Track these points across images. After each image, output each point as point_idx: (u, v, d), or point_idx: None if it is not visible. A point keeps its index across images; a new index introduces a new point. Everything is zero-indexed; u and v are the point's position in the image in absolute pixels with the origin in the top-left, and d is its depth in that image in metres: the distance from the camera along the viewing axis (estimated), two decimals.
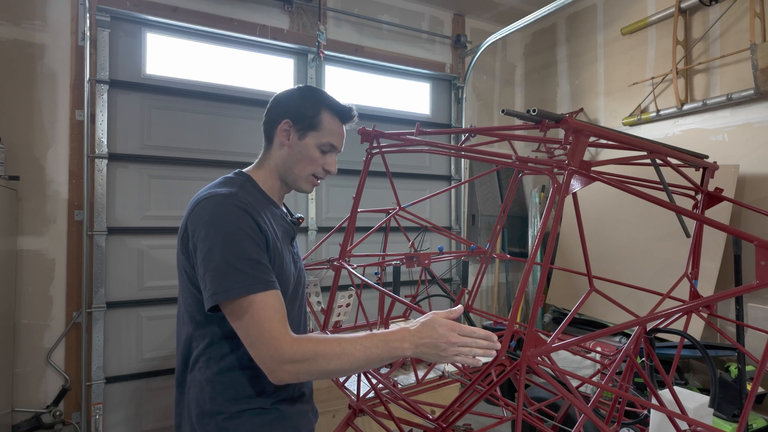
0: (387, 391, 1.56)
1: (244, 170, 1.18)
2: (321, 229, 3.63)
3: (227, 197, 0.99)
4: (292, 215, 1.26)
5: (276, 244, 1.05)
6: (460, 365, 1.77)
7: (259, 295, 0.93)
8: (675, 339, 2.61)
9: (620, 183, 1.02)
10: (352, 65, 3.82)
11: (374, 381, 1.56)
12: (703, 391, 2.62)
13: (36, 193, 2.76)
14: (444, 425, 1.22)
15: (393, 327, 0.98)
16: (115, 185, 2.93)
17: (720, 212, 2.58)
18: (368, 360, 0.93)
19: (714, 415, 2.06)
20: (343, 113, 1.20)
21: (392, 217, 2.03)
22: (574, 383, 2.02)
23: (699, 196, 1.39)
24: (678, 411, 1.20)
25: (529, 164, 1.12)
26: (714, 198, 1.36)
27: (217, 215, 0.97)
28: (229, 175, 1.16)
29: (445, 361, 0.95)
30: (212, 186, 1.08)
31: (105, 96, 2.88)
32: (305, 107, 1.16)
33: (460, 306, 1.04)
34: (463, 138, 1.53)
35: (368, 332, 0.97)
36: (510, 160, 1.16)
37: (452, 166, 4.23)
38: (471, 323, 1.93)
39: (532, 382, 2.49)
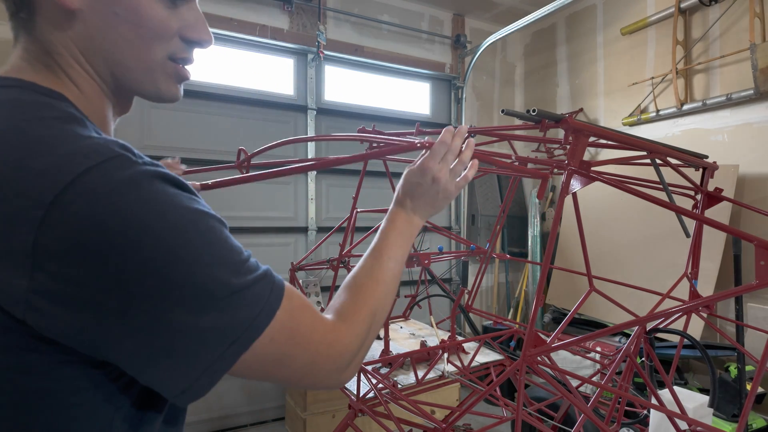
0: (387, 391, 1.56)
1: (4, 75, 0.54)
2: (321, 229, 3.63)
3: (131, 163, 0.46)
4: None
5: None
6: (458, 366, 1.77)
7: (284, 300, 0.54)
8: (675, 339, 2.61)
9: (620, 183, 1.03)
10: (352, 65, 3.82)
11: (374, 381, 1.56)
12: (702, 391, 2.62)
13: None
14: (444, 425, 1.22)
15: (385, 224, 0.79)
16: None
17: (720, 212, 2.58)
18: (401, 269, 0.77)
19: (714, 415, 2.06)
20: None
21: None
22: (574, 383, 2.02)
23: (699, 196, 1.39)
24: (678, 411, 1.20)
25: (528, 165, 1.13)
26: (714, 198, 1.36)
27: (146, 214, 0.44)
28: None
29: (451, 198, 0.82)
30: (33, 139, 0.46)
31: None
32: None
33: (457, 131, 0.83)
34: None
35: (373, 247, 0.77)
36: (510, 161, 1.16)
37: None
38: (471, 323, 1.93)
39: (532, 382, 2.49)
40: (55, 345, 0.45)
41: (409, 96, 4.12)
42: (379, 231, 0.79)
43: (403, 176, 0.82)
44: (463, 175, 0.83)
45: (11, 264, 0.42)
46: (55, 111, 0.50)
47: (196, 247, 0.46)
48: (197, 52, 0.64)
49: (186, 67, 0.62)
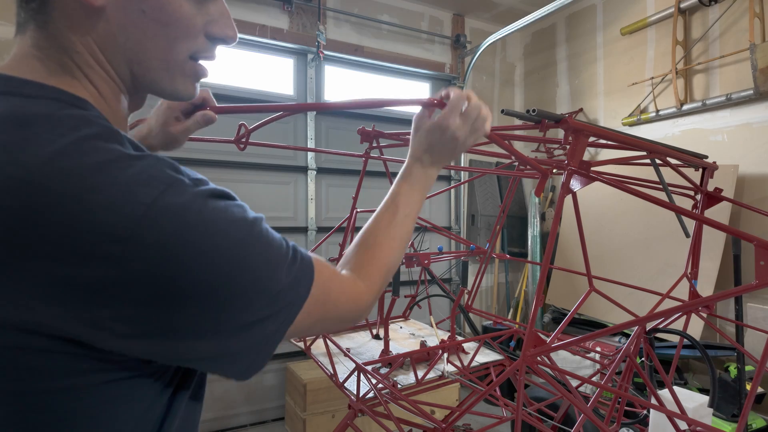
0: (387, 391, 1.56)
1: (12, 76, 0.50)
2: (321, 229, 3.63)
3: (185, 187, 0.47)
4: None
5: None
6: (458, 366, 1.77)
7: (315, 277, 0.58)
8: (674, 339, 2.61)
9: (620, 183, 1.03)
10: (352, 65, 3.82)
11: (374, 381, 1.56)
12: (702, 391, 2.62)
13: None
14: (443, 425, 1.22)
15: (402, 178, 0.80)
16: None
17: (719, 212, 2.58)
18: (414, 222, 0.79)
19: (713, 415, 2.06)
20: None
21: None
22: (574, 383, 2.02)
23: (698, 196, 1.39)
24: (677, 411, 1.20)
25: (528, 166, 1.13)
26: (713, 198, 1.36)
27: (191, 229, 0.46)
28: (15, 99, 0.48)
29: (465, 150, 0.83)
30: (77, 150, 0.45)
31: None
32: None
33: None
34: None
35: (390, 202, 0.78)
36: (509, 161, 1.16)
37: (451, 162, 4.23)
38: (471, 323, 1.93)
39: (532, 382, 2.49)
40: (115, 363, 0.47)
41: (409, 96, 4.13)
42: (395, 185, 0.80)
43: (420, 131, 0.81)
44: (478, 136, 0.83)
45: (89, 298, 0.43)
46: (93, 126, 0.47)
47: (258, 256, 0.50)
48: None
49: (204, 64, 0.61)
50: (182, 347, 0.48)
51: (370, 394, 1.57)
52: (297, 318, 0.55)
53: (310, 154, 3.59)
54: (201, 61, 0.60)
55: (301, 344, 1.92)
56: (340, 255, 1.82)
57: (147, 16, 0.52)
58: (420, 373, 1.69)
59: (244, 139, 1.17)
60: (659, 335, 1.84)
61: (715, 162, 1.46)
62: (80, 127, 0.46)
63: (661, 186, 1.22)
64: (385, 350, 1.83)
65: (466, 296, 2.08)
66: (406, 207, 0.77)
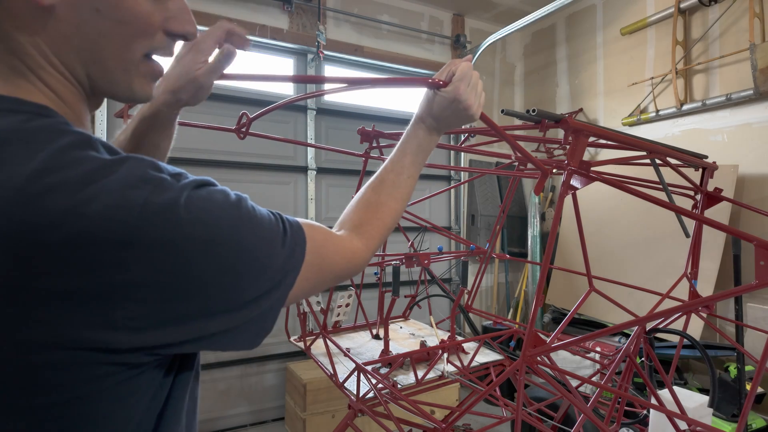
0: (387, 391, 1.56)
1: None
2: None
3: (168, 184, 0.48)
4: None
5: None
6: (458, 366, 1.77)
7: (308, 244, 0.59)
8: (674, 339, 2.61)
9: (620, 183, 1.03)
10: (352, 65, 3.82)
11: (374, 381, 1.56)
12: (702, 391, 2.62)
13: None
14: (443, 425, 1.22)
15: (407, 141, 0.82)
16: None
17: (719, 212, 2.58)
18: (415, 182, 0.81)
19: (713, 415, 2.06)
20: None
21: None
22: (574, 383, 2.02)
23: (698, 196, 1.39)
24: (677, 411, 1.20)
25: (529, 165, 1.13)
26: (713, 198, 1.36)
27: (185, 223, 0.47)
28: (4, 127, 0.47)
29: (476, 118, 0.83)
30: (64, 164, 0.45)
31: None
32: None
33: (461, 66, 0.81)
34: (463, 138, 1.53)
35: (395, 162, 0.80)
36: (509, 161, 1.16)
37: (451, 163, 4.23)
38: (471, 323, 1.93)
39: (532, 382, 2.49)
40: (127, 364, 0.48)
41: (409, 96, 4.12)
42: (400, 147, 0.82)
43: (433, 101, 0.81)
44: (481, 99, 0.83)
45: (102, 304, 0.44)
46: (66, 136, 0.47)
47: (252, 235, 0.52)
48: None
49: (146, 55, 0.57)
50: (194, 329, 0.49)
51: (370, 394, 1.57)
52: (296, 283, 0.58)
53: (310, 155, 3.58)
54: (155, 57, 0.58)
55: (301, 344, 1.92)
56: None
57: (102, 15, 0.50)
58: (420, 373, 1.69)
59: (244, 129, 1.16)
60: (659, 335, 1.84)
61: (715, 162, 1.46)
62: (54, 138, 0.46)
63: (661, 186, 1.22)
64: (385, 350, 1.83)
65: (466, 296, 2.08)
66: (411, 168, 0.79)
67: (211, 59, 0.78)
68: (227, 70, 0.78)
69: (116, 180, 0.45)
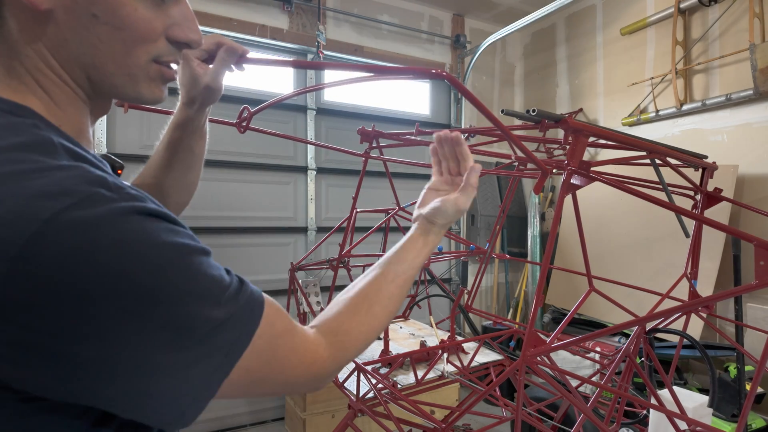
0: (387, 391, 1.56)
1: None
2: (320, 230, 3.63)
3: (103, 201, 0.43)
4: (111, 162, 0.77)
5: None
6: (458, 366, 1.77)
7: (263, 326, 0.51)
8: (674, 339, 2.61)
9: (619, 183, 1.03)
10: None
11: (374, 381, 1.56)
12: (702, 391, 2.62)
13: None
14: (443, 425, 1.22)
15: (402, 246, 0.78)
16: None
17: (719, 212, 2.58)
18: (405, 294, 0.74)
19: (713, 415, 2.06)
20: None
21: (392, 217, 2.03)
22: (574, 383, 2.02)
23: (698, 196, 1.39)
24: (677, 411, 1.20)
25: (529, 165, 1.13)
26: (713, 198, 1.36)
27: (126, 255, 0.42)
28: None
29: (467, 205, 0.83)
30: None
31: None
32: None
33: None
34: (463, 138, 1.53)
35: (389, 268, 0.73)
36: (509, 161, 1.16)
37: None
38: (471, 323, 1.93)
39: (532, 382, 2.49)
40: (33, 402, 0.43)
41: (409, 96, 4.12)
42: (400, 250, 0.76)
43: (437, 210, 0.80)
44: (472, 190, 0.87)
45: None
46: (20, 135, 0.44)
47: (176, 286, 0.44)
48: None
49: (173, 65, 0.59)
50: (82, 380, 0.42)
51: (370, 394, 1.57)
52: (232, 372, 0.48)
53: (310, 155, 3.59)
54: (167, 66, 0.58)
55: None
56: (340, 255, 1.82)
57: (99, 20, 0.50)
58: (420, 373, 1.69)
59: (245, 123, 1.17)
60: (659, 335, 1.84)
61: (714, 162, 1.46)
62: (6, 136, 0.44)
63: (661, 186, 1.22)
64: (385, 350, 1.84)
65: (466, 296, 2.08)
66: (406, 273, 0.74)
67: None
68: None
69: (37, 186, 0.40)
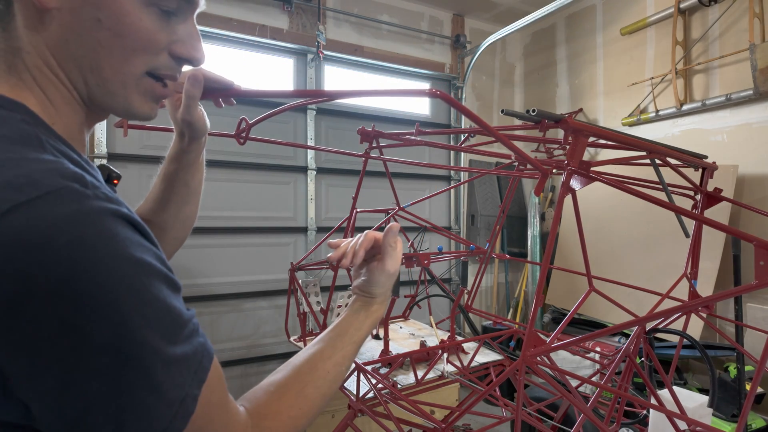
0: (386, 391, 1.56)
1: None
2: (320, 229, 3.63)
3: (76, 197, 0.40)
4: (108, 171, 0.79)
5: None
6: (458, 366, 1.77)
7: (204, 387, 0.47)
8: (674, 339, 2.61)
9: (619, 183, 1.03)
10: (352, 65, 3.82)
11: (374, 381, 1.56)
12: (702, 391, 2.62)
13: None
14: (443, 425, 1.22)
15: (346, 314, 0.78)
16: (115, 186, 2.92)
17: (719, 212, 2.59)
18: (344, 371, 0.71)
19: (713, 415, 2.06)
20: None
21: (392, 217, 2.03)
22: (574, 383, 2.02)
23: (698, 196, 1.39)
24: (677, 411, 1.20)
25: (529, 165, 1.13)
26: (713, 198, 1.36)
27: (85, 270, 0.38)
28: None
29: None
30: None
31: None
32: None
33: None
34: (463, 138, 1.53)
35: (331, 345, 0.70)
36: (509, 161, 1.16)
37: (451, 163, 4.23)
38: (470, 323, 1.93)
39: (532, 382, 2.49)
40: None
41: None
42: (341, 323, 0.74)
43: (368, 282, 0.79)
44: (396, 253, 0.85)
45: None
46: (4, 128, 0.44)
47: (127, 306, 0.39)
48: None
49: (168, 83, 0.58)
50: (12, 396, 0.38)
51: (370, 394, 1.57)
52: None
53: (310, 155, 3.58)
54: (162, 82, 0.57)
55: (301, 344, 1.92)
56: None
57: (103, 25, 0.50)
58: (420, 373, 1.69)
59: (244, 134, 1.17)
60: (659, 335, 1.84)
61: (714, 162, 1.45)
62: (31, 141, 0.44)
63: (661, 186, 1.22)
64: (385, 350, 1.84)
65: (466, 296, 2.08)
66: (351, 345, 0.71)
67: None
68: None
69: (4, 176, 0.38)
